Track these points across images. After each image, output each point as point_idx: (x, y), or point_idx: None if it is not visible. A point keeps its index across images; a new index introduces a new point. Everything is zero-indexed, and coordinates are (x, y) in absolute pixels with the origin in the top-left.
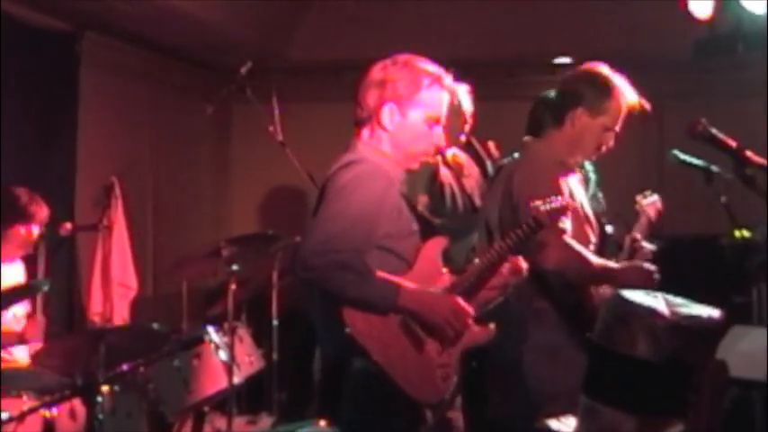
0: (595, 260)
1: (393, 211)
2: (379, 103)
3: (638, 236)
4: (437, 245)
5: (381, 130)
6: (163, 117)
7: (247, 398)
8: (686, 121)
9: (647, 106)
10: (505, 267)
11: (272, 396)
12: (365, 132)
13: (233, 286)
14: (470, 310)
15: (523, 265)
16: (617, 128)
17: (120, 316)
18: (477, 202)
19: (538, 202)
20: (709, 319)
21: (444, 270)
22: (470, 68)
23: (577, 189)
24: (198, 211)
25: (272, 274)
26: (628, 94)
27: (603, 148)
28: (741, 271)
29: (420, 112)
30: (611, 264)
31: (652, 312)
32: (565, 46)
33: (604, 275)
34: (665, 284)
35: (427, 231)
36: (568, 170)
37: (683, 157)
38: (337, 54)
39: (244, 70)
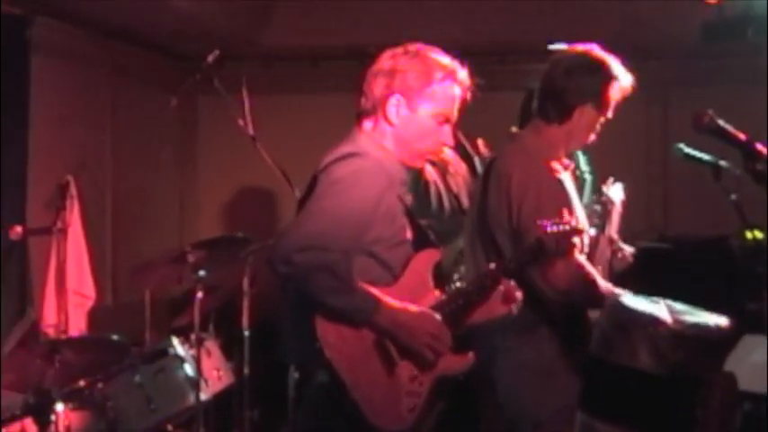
0: (603, 284)
1: (387, 215)
2: (385, 94)
3: (615, 236)
4: (429, 258)
5: (386, 123)
6: (123, 110)
7: (216, 416)
8: (692, 111)
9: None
10: (498, 293)
11: (243, 414)
12: (367, 124)
13: (200, 294)
14: (449, 336)
15: (518, 294)
16: (609, 114)
17: (77, 327)
18: (465, 202)
19: (545, 223)
20: (717, 328)
21: (432, 286)
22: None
23: (570, 187)
24: (161, 213)
25: (243, 280)
26: (624, 80)
27: (593, 136)
28: (753, 275)
29: (430, 107)
30: (617, 289)
31: (654, 321)
32: (560, 31)
33: (605, 299)
34: (669, 290)
35: (422, 241)
36: (564, 165)
37: (688, 151)
38: (313, 41)
39: (211, 58)
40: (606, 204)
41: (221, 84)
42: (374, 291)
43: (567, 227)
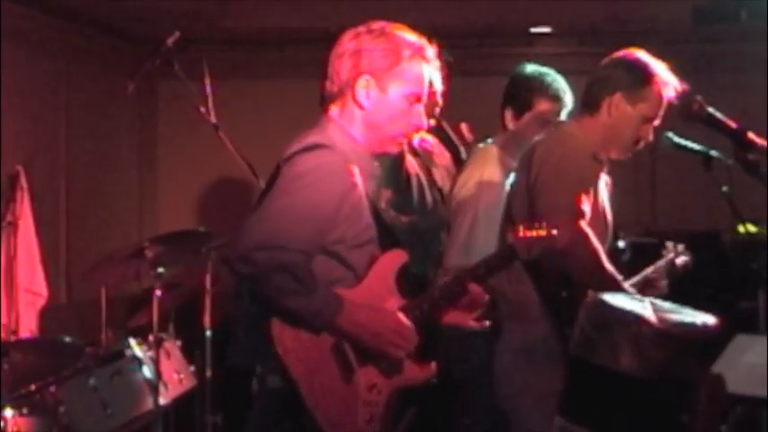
0: (607, 263)
1: (352, 214)
2: (353, 76)
3: (659, 271)
4: (394, 260)
5: (356, 106)
6: (77, 96)
7: (176, 422)
8: (682, 98)
9: (683, 88)
10: (466, 300)
11: (206, 419)
12: (334, 110)
13: (159, 292)
14: (414, 335)
15: (485, 298)
16: (657, 120)
17: (27, 327)
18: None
19: (520, 228)
20: (704, 327)
21: (395, 290)
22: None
23: (603, 191)
24: (118, 206)
25: (205, 277)
26: (669, 81)
27: (641, 143)
28: (746, 272)
29: (400, 86)
30: (620, 278)
31: (637, 319)
32: (544, 13)
33: (608, 283)
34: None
35: (388, 241)
36: (599, 167)
37: (677, 140)
38: (279, 23)
39: (170, 41)
40: (666, 254)
41: (182, 68)
42: (336, 292)
43: (542, 233)
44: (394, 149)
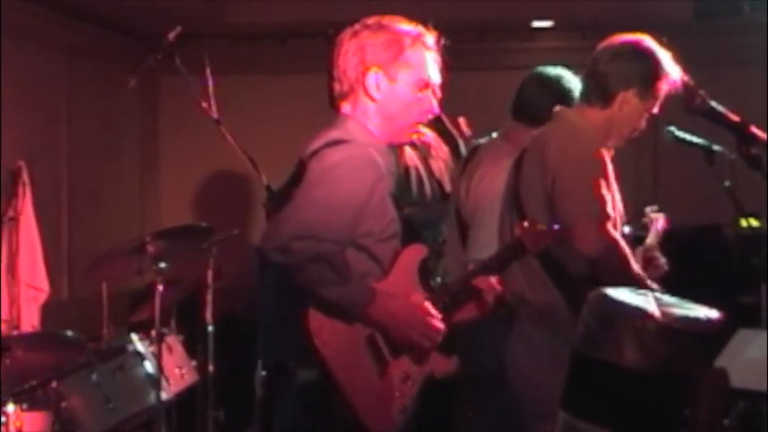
0: (635, 266)
1: (379, 207)
2: (361, 71)
3: (654, 245)
4: (416, 254)
5: (368, 100)
6: (79, 91)
7: (178, 417)
8: (685, 91)
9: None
10: (480, 293)
11: (208, 414)
12: (347, 107)
13: (160, 287)
14: (442, 325)
15: (496, 285)
16: (655, 110)
17: (29, 322)
18: (447, 187)
19: (526, 224)
20: (707, 322)
21: (419, 284)
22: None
23: (613, 179)
24: (120, 201)
25: (207, 272)
26: (673, 73)
27: (635, 134)
28: (748, 266)
29: (408, 74)
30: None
31: (641, 314)
32: (545, 7)
33: (636, 282)
34: (660, 282)
35: (408, 235)
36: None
37: (679, 134)
38: (281, 17)
39: (172, 36)
40: (651, 222)
41: (183, 63)
42: (368, 283)
43: (551, 231)
44: (409, 139)
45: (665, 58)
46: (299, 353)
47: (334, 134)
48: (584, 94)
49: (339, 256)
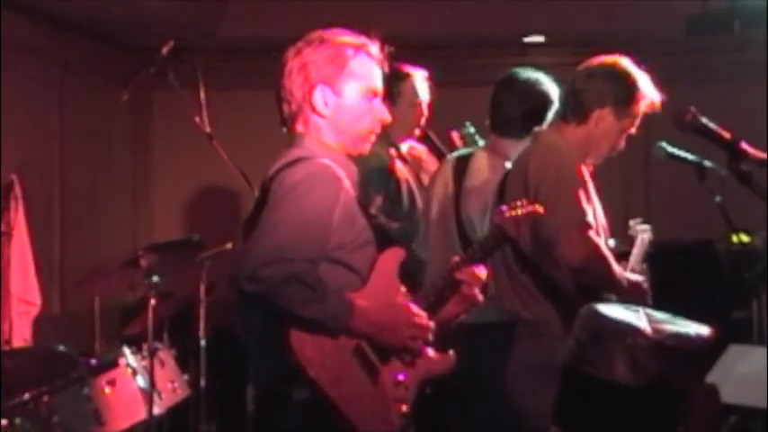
0: (617, 268)
1: (347, 218)
2: (308, 90)
3: (636, 267)
4: (394, 257)
5: (318, 117)
6: (71, 105)
7: (170, 431)
8: (675, 109)
9: (661, 102)
10: (465, 283)
11: (200, 428)
12: (300, 127)
13: (153, 301)
14: (428, 322)
15: (482, 273)
16: (633, 130)
17: (21, 337)
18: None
19: (503, 208)
20: (698, 338)
21: (400, 286)
22: (427, 49)
23: (593, 193)
24: (112, 215)
25: (199, 286)
26: (650, 94)
27: (613, 152)
28: (739, 282)
29: (354, 85)
30: (629, 275)
31: (632, 330)
32: (537, 22)
33: (620, 287)
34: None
35: (383, 240)
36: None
37: (671, 150)
38: (273, 32)
39: (165, 50)
40: (635, 236)
41: (176, 77)
42: (346, 294)
43: (526, 209)
44: (366, 148)
45: (643, 79)
46: (289, 375)
47: (292, 153)
48: (562, 111)
49: (313, 272)
